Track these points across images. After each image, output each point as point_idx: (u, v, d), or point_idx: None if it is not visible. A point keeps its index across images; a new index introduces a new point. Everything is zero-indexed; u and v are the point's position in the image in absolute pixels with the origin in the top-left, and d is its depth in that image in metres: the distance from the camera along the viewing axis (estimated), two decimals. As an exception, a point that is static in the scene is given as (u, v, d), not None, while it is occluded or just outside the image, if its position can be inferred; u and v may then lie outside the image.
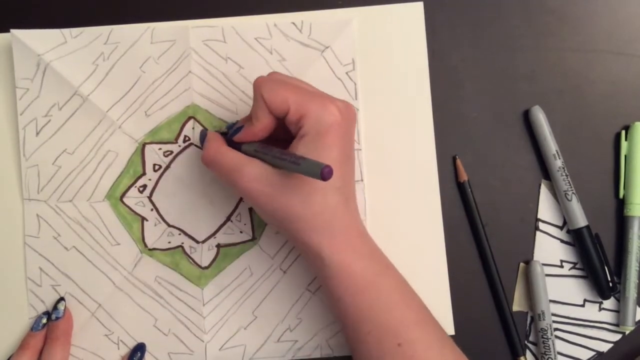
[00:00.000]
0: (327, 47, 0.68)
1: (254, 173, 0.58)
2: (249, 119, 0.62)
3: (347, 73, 0.68)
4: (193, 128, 0.68)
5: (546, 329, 0.67)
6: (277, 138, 0.62)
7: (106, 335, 0.68)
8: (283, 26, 0.69)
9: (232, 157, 0.60)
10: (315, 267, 0.60)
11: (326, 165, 0.51)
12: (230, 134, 0.62)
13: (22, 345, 0.66)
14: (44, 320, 0.66)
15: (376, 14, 0.69)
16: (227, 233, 0.68)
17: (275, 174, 0.58)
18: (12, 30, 0.68)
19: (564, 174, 0.67)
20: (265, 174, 0.58)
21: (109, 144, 0.68)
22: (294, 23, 0.68)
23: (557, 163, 0.67)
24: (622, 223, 0.68)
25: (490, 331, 0.68)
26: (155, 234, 0.68)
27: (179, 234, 0.68)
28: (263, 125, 0.60)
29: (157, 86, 0.68)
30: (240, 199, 0.68)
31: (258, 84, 0.59)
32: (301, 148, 0.57)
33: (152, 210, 0.68)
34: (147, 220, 0.68)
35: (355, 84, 0.68)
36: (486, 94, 0.69)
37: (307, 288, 0.68)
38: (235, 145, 0.62)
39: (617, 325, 0.68)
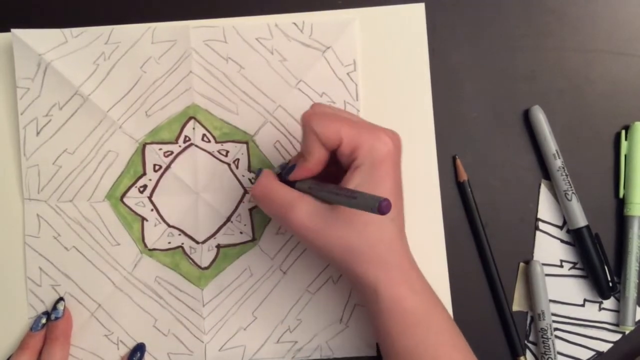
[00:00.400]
0: (328, 48, 0.68)
1: (305, 209, 0.58)
2: (300, 156, 0.61)
3: (348, 74, 0.68)
4: (193, 128, 0.68)
5: (546, 328, 0.67)
6: (328, 173, 0.61)
7: (106, 335, 0.68)
8: (284, 26, 0.69)
9: (284, 192, 0.59)
10: (367, 299, 0.59)
11: (384, 198, 0.50)
12: (285, 174, 0.61)
13: (22, 346, 0.66)
14: (44, 320, 0.66)
15: (377, 14, 0.69)
16: (227, 234, 0.68)
17: (327, 209, 0.58)
18: (12, 30, 0.68)
19: (564, 173, 0.67)
20: (317, 209, 0.58)
21: (109, 144, 0.68)
22: (295, 23, 0.68)
23: (557, 163, 0.67)
24: (622, 223, 0.68)
25: (490, 331, 0.68)
26: (155, 234, 0.68)
27: (179, 235, 0.68)
28: (316, 159, 0.59)
29: (158, 86, 0.68)
30: (241, 200, 0.68)
31: (307, 119, 0.58)
32: (355, 180, 0.57)
33: (152, 210, 0.68)
34: (147, 220, 0.68)
35: (356, 85, 0.68)
36: (486, 94, 0.69)
37: (307, 289, 0.68)
38: (289, 185, 0.61)
39: (617, 325, 0.68)
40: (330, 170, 0.60)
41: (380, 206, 0.50)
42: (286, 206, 0.58)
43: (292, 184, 0.61)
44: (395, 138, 0.59)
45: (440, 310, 0.60)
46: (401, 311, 0.57)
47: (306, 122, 0.58)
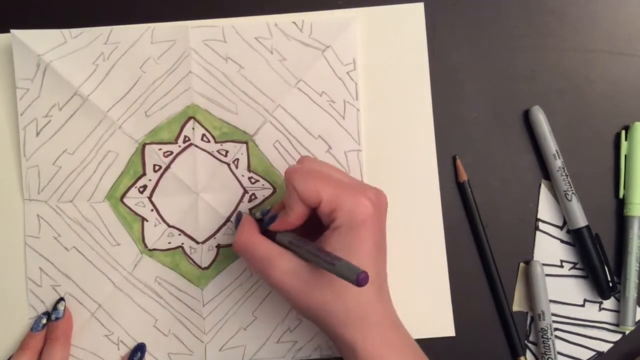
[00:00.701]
0: (328, 47, 0.68)
1: (285, 267, 0.58)
2: (282, 206, 0.61)
3: (348, 73, 0.68)
4: (193, 128, 0.68)
5: (546, 329, 0.67)
6: (311, 224, 0.61)
7: (106, 335, 0.68)
8: (284, 25, 0.68)
9: (265, 247, 0.60)
10: (346, 358, 0.59)
11: (362, 271, 0.51)
12: (265, 223, 0.62)
13: (22, 346, 0.66)
14: (44, 321, 0.66)
15: (377, 14, 0.69)
16: (227, 234, 0.68)
17: (307, 268, 0.58)
18: (12, 31, 0.68)
19: (564, 174, 0.67)
20: (297, 268, 0.58)
21: (109, 145, 0.68)
22: (294, 22, 0.68)
23: (557, 163, 0.67)
24: (622, 223, 0.68)
25: (491, 331, 0.68)
26: (155, 235, 0.68)
27: (179, 235, 0.68)
28: (297, 215, 0.59)
29: (157, 86, 0.68)
30: (240, 200, 0.68)
31: (290, 175, 0.59)
32: (333, 241, 0.57)
33: (152, 210, 0.68)
34: (147, 220, 0.68)
35: (356, 84, 0.68)
36: (486, 94, 0.69)
37: (307, 289, 0.68)
38: (270, 233, 0.62)
39: (617, 325, 0.68)
40: (313, 222, 0.61)
41: (358, 279, 0.51)
42: (266, 262, 0.59)
43: (273, 235, 0.61)
44: (377, 199, 0.59)
45: None
46: None
47: (288, 178, 0.59)
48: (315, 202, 0.58)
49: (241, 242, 0.61)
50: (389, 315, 0.60)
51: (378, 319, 0.58)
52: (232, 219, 0.68)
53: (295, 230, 0.61)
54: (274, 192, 0.68)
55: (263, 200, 0.68)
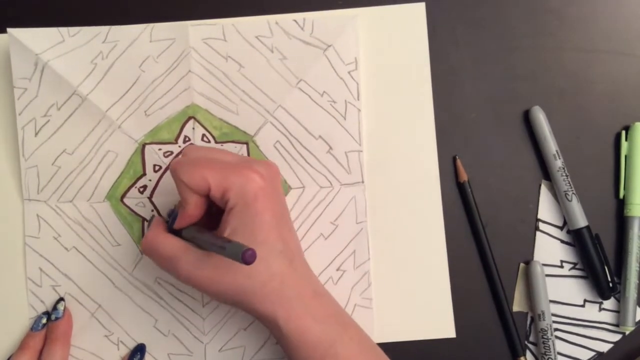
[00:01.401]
0: (329, 46, 0.68)
1: (190, 260, 0.58)
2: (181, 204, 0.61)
3: (349, 72, 0.68)
4: (193, 128, 0.68)
5: (546, 329, 0.67)
6: (218, 213, 0.61)
7: (106, 335, 0.68)
8: (284, 24, 0.68)
9: (170, 244, 0.59)
10: (273, 333, 0.59)
11: (247, 248, 0.50)
12: (170, 223, 0.62)
13: (22, 346, 0.65)
14: (44, 321, 0.66)
15: (378, 14, 0.69)
16: (227, 233, 0.68)
17: (213, 256, 0.57)
18: (9, 30, 0.67)
19: (564, 174, 0.67)
20: (202, 258, 0.58)
21: (108, 144, 0.68)
22: (295, 21, 0.68)
23: (557, 163, 0.67)
24: (622, 223, 0.68)
25: (491, 331, 0.68)
26: (155, 234, 0.68)
27: (179, 235, 0.68)
28: (193, 207, 0.59)
29: (157, 85, 0.68)
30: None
31: (174, 168, 0.58)
32: (232, 222, 0.57)
33: (152, 211, 0.68)
34: (147, 221, 0.68)
35: (357, 84, 0.68)
36: (486, 94, 0.69)
37: (306, 288, 0.68)
38: (178, 233, 0.61)
39: (617, 325, 0.68)
40: (220, 211, 0.60)
41: (244, 257, 0.50)
42: (173, 259, 0.59)
43: (180, 233, 0.61)
44: (265, 172, 0.59)
45: (351, 335, 0.60)
46: (306, 343, 0.57)
47: (173, 171, 0.59)
48: (205, 189, 0.57)
49: (147, 242, 0.61)
50: (308, 285, 0.60)
51: (297, 290, 0.58)
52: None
53: (202, 223, 0.61)
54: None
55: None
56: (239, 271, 0.57)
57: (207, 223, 0.61)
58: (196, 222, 0.61)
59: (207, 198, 0.59)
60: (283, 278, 0.58)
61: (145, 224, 0.68)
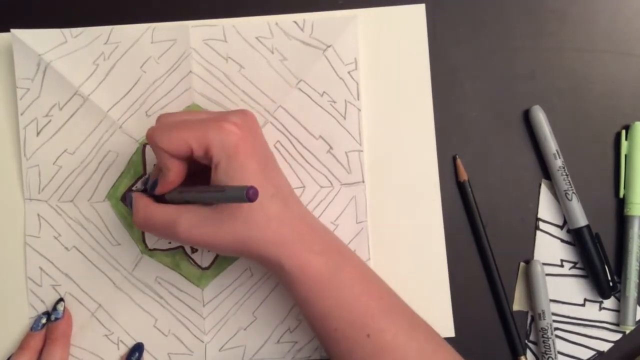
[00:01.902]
0: (329, 46, 0.68)
1: (189, 220, 0.58)
2: (159, 169, 0.61)
3: (349, 72, 0.68)
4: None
5: (546, 328, 0.67)
6: (195, 169, 0.61)
7: (106, 335, 0.68)
8: (284, 25, 0.68)
9: (163, 212, 0.60)
10: (277, 276, 0.60)
11: (249, 187, 0.51)
12: (149, 191, 0.62)
13: (22, 346, 0.65)
14: (44, 321, 0.66)
15: (378, 15, 0.69)
16: (227, 233, 0.68)
17: (209, 210, 0.58)
18: (12, 30, 0.67)
19: (564, 173, 0.67)
20: (200, 215, 0.58)
21: (109, 144, 0.68)
22: (295, 22, 0.68)
23: (557, 163, 0.67)
24: (622, 222, 0.68)
25: (491, 331, 0.68)
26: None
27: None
28: (175, 172, 0.59)
29: (158, 86, 0.68)
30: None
31: (151, 137, 0.58)
32: (220, 178, 0.57)
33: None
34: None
35: (357, 84, 0.68)
36: (486, 94, 0.69)
37: (307, 289, 0.68)
38: (161, 199, 0.61)
39: (617, 324, 0.68)
40: (199, 166, 0.61)
41: (248, 194, 0.51)
42: (169, 224, 0.59)
43: (163, 198, 0.61)
44: (242, 120, 0.59)
45: (352, 263, 0.61)
46: (309, 277, 0.58)
47: (151, 140, 0.59)
48: (187, 151, 0.58)
49: (140, 217, 0.61)
50: (303, 220, 0.60)
51: (294, 228, 0.59)
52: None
53: (182, 185, 0.61)
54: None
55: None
56: (237, 221, 0.57)
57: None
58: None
59: (187, 161, 0.60)
60: (281, 219, 0.58)
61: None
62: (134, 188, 0.68)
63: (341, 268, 0.60)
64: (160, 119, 0.61)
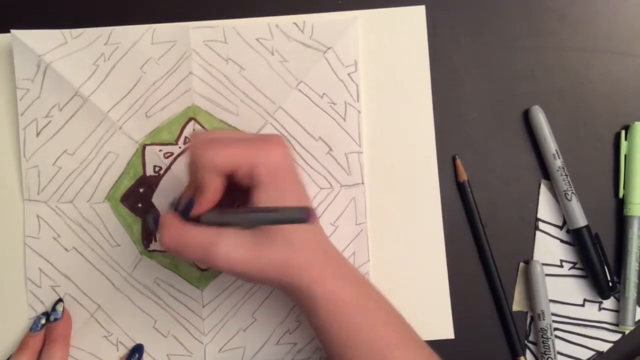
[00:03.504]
0: (329, 48, 0.68)
1: (229, 242, 0.56)
2: (192, 188, 0.59)
3: (349, 74, 0.68)
4: (194, 129, 0.68)
5: (546, 328, 0.67)
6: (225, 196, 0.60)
7: (105, 336, 0.68)
8: (285, 26, 0.68)
9: (200, 234, 0.57)
10: (304, 303, 0.59)
11: (307, 207, 0.51)
12: (185, 211, 0.59)
13: (21, 346, 0.66)
14: (43, 321, 0.66)
15: (378, 16, 0.69)
16: (227, 234, 0.68)
17: (249, 234, 0.57)
18: (12, 31, 0.68)
19: (563, 173, 0.67)
20: (241, 238, 0.57)
21: (109, 145, 0.68)
22: (295, 23, 0.68)
23: (557, 163, 0.67)
24: (622, 223, 0.68)
25: (490, 331, 0.68)
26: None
27: (179, 235, 0.68)
28: (214, 189, 0.57)
29: (158, 87, 0.68)
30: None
31: (196, 152, 0.57)
32: (263, 197, 0.57)
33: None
34: (145, 220, 0.68)
35: (357, 86, 0.68)
36: (486, 94, 0.69)
37: (307, 290, 0.68)
38: (192, 221, 0.58)
39: (616, 324, 0.68)
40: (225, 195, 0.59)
41: (307, 215, 0.51)
42: (207, 247, 0.56)
43: (194, 220, 0.58)
44: (282, 143, 0.59)
45: (374, 293, 0.61)
46: (338, 304, 0.58)
47: (195, 155, 0.57)
48: (233, 168, 0.56)
49: (171, 238, 0.57)
50: (331, 248, 0.61)
51: (324, 254, 0.59)
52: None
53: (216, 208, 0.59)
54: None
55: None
56: (277, 244, 0.57)
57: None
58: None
59: (225, 179, 0.58)
60: (313, 244, 0.58)
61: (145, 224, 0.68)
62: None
63: (368, 297, 0.60)
64: (197, 135, 0.60)
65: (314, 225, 0.59)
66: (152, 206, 0.68)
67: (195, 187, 0.58)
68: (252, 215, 0.56)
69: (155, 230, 0.62)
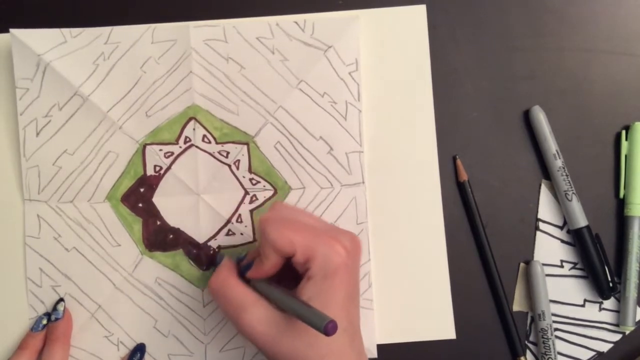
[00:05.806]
0: (330, 47, 0.68)
1: (258, 314, 0.58)
2: (258, 253, 0.60)
3: (350, 73, 0.68)
4: (194, 129, 0.68)
5: (546, 329, 0.67)
6: (291, 270, 0.61)
7: (106, 336, 0.68)
8: (285, 25, 0.68)
9: (239, 292, 0.59)
10: None
11: (331, 320, 0.51)
12: (242, 269, 0.62)
13: (22, 346, 0.66)
14: (44, 321, 0.66)
15: (378, 16, 0.69)
16: (228, 235, 0.68)
17: (279, 316, 0.57)
18: (11, 30, 0.67)
19: (564, 173, 0.67)
20: (270, 316, 0.58)
21: (109, 145, 0.68)
22: (296, 22, 0.68)
23: (557, 163, 0.67)
24: (622, 223, 0.68)
25: (491, 331, 0.68)
26: (155, 235, 0.68)
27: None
28: (271, 264, 0.59)
29: (158, 86, 0.68)
30: (241, 201, 0.68)
31: (264, 224, 0.58)
32: (308, 290, 0.57)
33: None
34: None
35: (358, 85, 0.68)
36: (486, 94, 0.69)
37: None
38: (245, 279, 0.61)
39: (617, 325, 0.68)
40: (292, 269, 0.60)
41: (326, 328, 0.51)
42: (239, 308, 0.58)
43: (249, 280, 0.61)
44: (351, 245, 0.58)
45: None
46: None
47: (262, 227, 0.58)
48: (290, 253, 0.58)
49: (217, 284, 0.61)
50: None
51: None
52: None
53: (272, 277, 0.60)
54: (275, 194, 0.68)
55: (264, 202, 0.68)
56: (301, 339, 0.57)
57: (277, 277, 0.61)
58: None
59: (287, 259, 0.59)
60: (341, 355, 0.57)
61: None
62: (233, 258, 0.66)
63: None
64: (275, 206, 0.61)
65: (351, 340, 0.58)
66: (153, 206, 0.68)
67: (259, 252, 0.60)
68: (285, 299, 0.57)
69: (214, 267, 0.66)
